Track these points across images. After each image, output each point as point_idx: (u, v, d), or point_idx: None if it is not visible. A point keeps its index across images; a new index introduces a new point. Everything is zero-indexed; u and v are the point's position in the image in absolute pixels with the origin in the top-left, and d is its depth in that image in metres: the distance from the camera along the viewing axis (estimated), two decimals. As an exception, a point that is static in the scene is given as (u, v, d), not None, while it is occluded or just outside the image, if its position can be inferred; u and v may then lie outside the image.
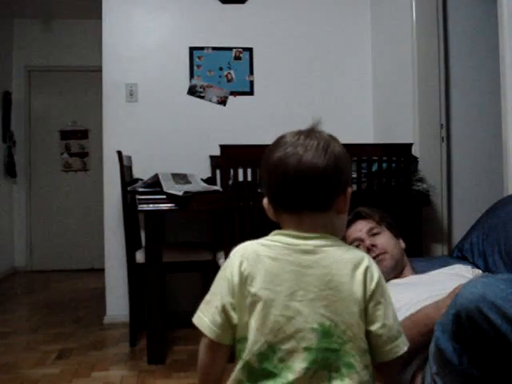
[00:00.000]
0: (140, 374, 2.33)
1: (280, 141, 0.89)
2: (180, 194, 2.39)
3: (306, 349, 0.79)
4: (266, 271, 0.83)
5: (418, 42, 2.87)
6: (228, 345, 0.86)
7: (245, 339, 0.82)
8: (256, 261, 0.84)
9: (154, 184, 2.49)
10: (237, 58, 3.39)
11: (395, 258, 1.61)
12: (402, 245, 1.71)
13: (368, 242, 1.63)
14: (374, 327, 0.82)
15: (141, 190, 2.50)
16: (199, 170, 3.06)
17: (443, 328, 0.94)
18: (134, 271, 2.76)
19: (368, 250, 1.62)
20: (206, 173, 3.19)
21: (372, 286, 0.83)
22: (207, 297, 0.88)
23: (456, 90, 3.00)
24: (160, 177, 2.46)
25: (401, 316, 1.25)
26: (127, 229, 2.77)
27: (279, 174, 0.86)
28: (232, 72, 3.38)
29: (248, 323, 0.82)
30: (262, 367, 0.81)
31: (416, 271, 1.67)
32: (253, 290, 0.82)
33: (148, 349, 2.47)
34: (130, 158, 3.08)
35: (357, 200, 2.36)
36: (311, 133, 0.88)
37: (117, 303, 3.17)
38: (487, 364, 0.88)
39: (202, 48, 3.36)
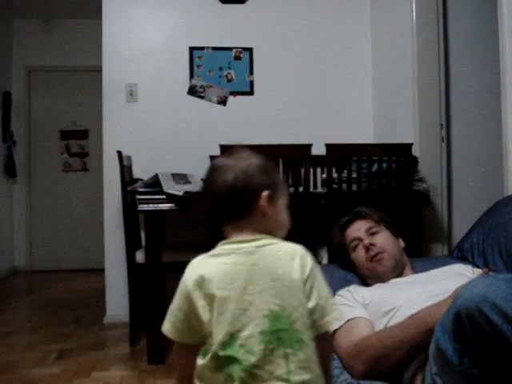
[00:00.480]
0: (140, 374, 2.33)
1: (212, 165, 1.08)
2: (180, 194, 2.39)
3: (261, 333, 0.92)
4: (219, 274, 0.96)
5: (418, 42, 2.87)
6: (193, 344, 0.98)
7: (211, 333, 0.94)
8: (209, 268, 0.98)
9: (154, 184, 2.49)
10: (237, 58, 3.39)
11: (394, 257, 1.61)
12: (402, 244, 1.71)
13: (367, 241, 1.64)
14: (310, 305, 0.96)
15: (141, 190, 2.50)
16: (199, 170, 3.04)
17: (444, 328, 0.93)
18: (134, 271, 2.76)
19: (367, 249, 1.63)
20: (206, 173, 3.19)
21: (306, 271, 0.98)
22: (170, 307, 1.02)
23: (456, 90, 2.99)
24: (160, 177, 2.47)
25: (402, 315, 1.25)
26: (127, 229, 2.76)
27: (207, 196, 1.06)
28: (232, 72, 3.38)
29: (210, 320, 0.94)
30: (225, 354, 0.92)
31: (416, 271, 1.67)
32: (210, 291, 0.95)
33: (148, 349, 2.48)
34: (129, 158, 3.08)
35: (357, 200, 2.37)
36: (225, 156, 1.07)
37: (117, 303, 3.17)
38: (488, 364, 0.88)
39: (202, 48, 3.36)
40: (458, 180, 2.98)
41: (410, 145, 2.51)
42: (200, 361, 0.96)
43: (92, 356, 2.58)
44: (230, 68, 3.38)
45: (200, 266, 0.99)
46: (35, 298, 4.03)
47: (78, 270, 5.06)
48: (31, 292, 4.37)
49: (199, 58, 3.36)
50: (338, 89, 3.49)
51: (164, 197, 2.42)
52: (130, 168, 3.05)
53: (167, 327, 1.02)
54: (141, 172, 3.06)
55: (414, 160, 2.62)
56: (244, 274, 0.96)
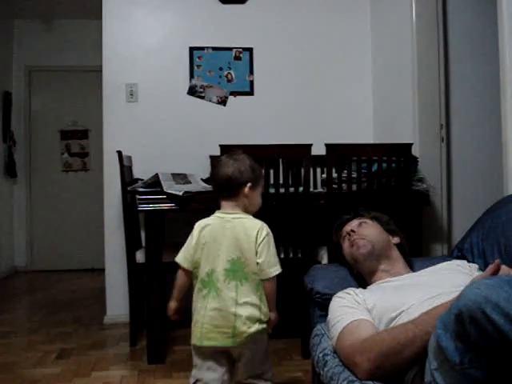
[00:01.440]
0: (140, 374, 2.34)
1: (219, 159, 1.73)
2: (180, 193, 2.39)
3: (224, 269, 1.60)
4: (209, 231, 1.65)
5: (418, 41, 2.87)
6: (190, 270, 1.65)
7: (198, 266, 1.63)
8: (206, 227, 1.66)
9: (154, 184, 2.49)
10: (237, 58, 3.39)
11: (372, 242, 1.63)
12: (395, 240, 1.71)
13: (349, 228, 1.72)
14: (259, 260, 1.60)
15: (141, 189, 2.50)
16: (199, 170, 3.06)
17: (445, 326, 0.93)
18: (134, 271, 2.76)
19: (349, 235, 1.70)
20: (206, 173, 3.19)
21: (260, 239, 1.61)
22: (183, 247, 1.67)
23: (456, 90, 2.99)
24: (160, 177, 2.47)
25: (411, 314, 1.24)
26: (127, 229, 2.77)
27: (213, 178, 1.73)
28: (232, 72, 3.38)
29: (200, 258, 1.63)
30: (207, 280, 1.61)
31: (415, 270, 1.66)
32: (203, 240, 1.64)
33: (148, 349, 2.48)
34: (130, 157, 3.08)
35: (357, 200, 2.38)
36: (232, 155, 1.69)
37: (117, 303, 3.17)
38: (488, 365, 0.88)
39: (202, 48, 3.36)
40: (457, 180, 2.98)
41: (410, 145, 2.51)
42: (194, 282, 1.65)
43: (92, 356, 2.59)
44: (230, 68, 3.38)
45: (202, 224, 1.67)
46: (35, 298, 4.03)
47: (78, 269, 5.06)
48: (31, 292, 4.37)
49: (199, 58, 3.36)
50: (337, 89, 3.49)
51: (164, 197, 2.43)
52: (130, 168, 3.06)
53: (181, 258, 1.66)
54: (141, 172, 3.06)
55: (414, 160, 2.62)
56: (221, 234, 1.63)
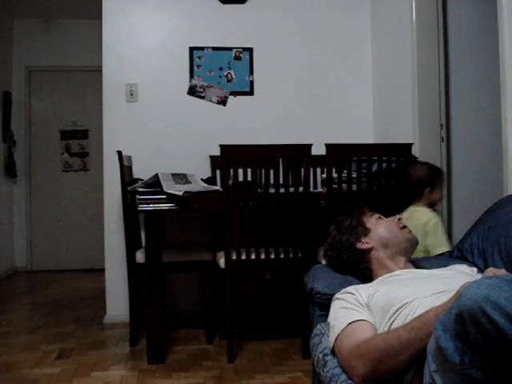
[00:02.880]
0: (140, 374, 2.33)
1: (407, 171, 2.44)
2: (180, 194, 2.39)
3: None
4: (405, 218, 2.04)
5: (418, 42, 2.87)
6: None
7: None
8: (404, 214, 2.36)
9: (154, 184, 2.49)
10: (237, 58, 3.39)
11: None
12: None
13: (397, 216, 1.74)
14: (428, 241, 2.21)
15: (141, 190, 2.50)
16: (199, 170, 3.06)
17: (445, 327, 0.93)
18: (134, 271, 2.76)
19: (399, 220, 1.71)
20: (206, 173, 3.19)
21: (428, 225, 2.26)
22: None
23: (456, 90, 2.99)
24: (160, 177, 2.46)
25: (407, 313, 1.24)
26: (127, 229, 2.77)
27: (405, 185, 2.45)
28: (232, 72, 3.38)
29: None
30: None
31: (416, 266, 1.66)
32: None
33: (148, 349, 2.47)
34: (130, 157, 3.08)
35: (357, 200, 2.37)
36: (413, 166, 2.40)
37: (117, 303, 3.17)
38: (488, 365, 0.88)
39: (202, 48, 3.36)
40: (457, 180, 2.98)
41: (410, 145, 2.51)
42: None
43: (92, 356, 2.58)
44: (230, 68, 3.38)
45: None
46: (35, 297, 4.03)
47: (78, 270, 5.06)
48: (31, 292, 4.37)
49: (199, 58, 3.36)
50: (338, 89, 3.49)
51: (164, 197, 2.42)
52: (130, 168, 3.06)
53: None
54: (141, 172, 3.06)
55: (414, 160, 2.62)
56: (409, 220, 2.04)
